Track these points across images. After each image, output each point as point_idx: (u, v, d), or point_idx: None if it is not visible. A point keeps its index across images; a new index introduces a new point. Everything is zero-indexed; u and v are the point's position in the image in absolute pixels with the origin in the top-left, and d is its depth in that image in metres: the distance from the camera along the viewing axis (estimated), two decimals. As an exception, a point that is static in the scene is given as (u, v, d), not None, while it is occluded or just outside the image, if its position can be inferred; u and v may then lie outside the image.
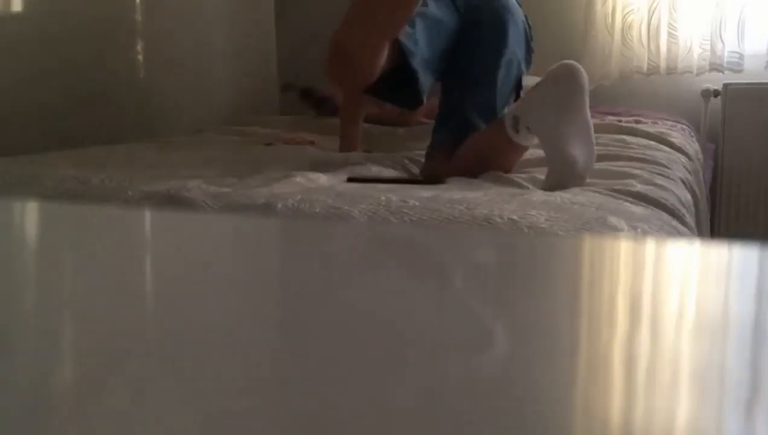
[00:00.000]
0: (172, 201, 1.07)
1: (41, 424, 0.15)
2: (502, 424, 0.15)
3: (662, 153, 1.77)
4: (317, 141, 2.10)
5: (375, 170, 1.45)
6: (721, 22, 2.54)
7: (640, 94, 2.72)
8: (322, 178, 1.32)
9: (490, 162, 1.41)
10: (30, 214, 0.42)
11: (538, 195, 1.15)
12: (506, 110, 1.46)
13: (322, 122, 2.49)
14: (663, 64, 2.61)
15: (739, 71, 2.55)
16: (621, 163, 1.54)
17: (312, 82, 3.18)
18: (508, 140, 1.40)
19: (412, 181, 1.33)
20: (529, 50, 1.64)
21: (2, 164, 1.51)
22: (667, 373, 0.18)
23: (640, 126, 2.23)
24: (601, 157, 1.51)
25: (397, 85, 1.45)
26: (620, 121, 2.23)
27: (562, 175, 1.24)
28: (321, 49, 2.72)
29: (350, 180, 1.33)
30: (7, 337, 0.21)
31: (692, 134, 2.38)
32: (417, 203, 1.01)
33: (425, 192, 1.14)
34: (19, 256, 0.31)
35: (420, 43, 1.43)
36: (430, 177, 1.37)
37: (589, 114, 1.29)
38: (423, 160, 1.51)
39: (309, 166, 1.33)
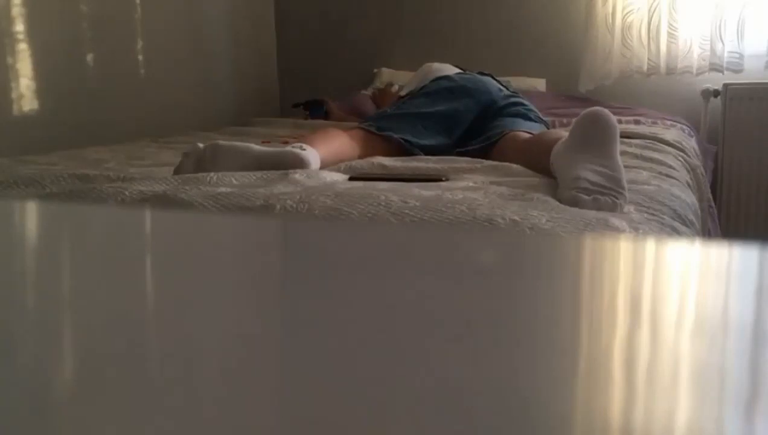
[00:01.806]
0: (170, 202, 1.07)
1: (41, 424, 0.15)
2: (501, 424, 0.15)
3: (662, 153, 1.77)
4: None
5: (377, 168, 1.46)
6: (721, 22, 2.54)
7: (640, 94, 2.72)
8: (323, 175, 1.32)
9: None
10: (29, 214, 0.42)
11: (540, 196, 1.15)
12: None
13: (321, 123, 2.49)
14: (663, 64, 2.61)
15: (739, 71, 2.56)
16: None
17: (312, 81, 3.19)
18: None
19: (414, 179, 1.33)
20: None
21: (2, 164, 1.51)
22: (667, 373, 0.18)
23: (639, 127, 2.23)
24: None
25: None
26: (620, 121, 2.23)
27: (568, 196, 1.19)
28: (320, 49, 2.72)
29: (352, 178, 1.33)
30: (6, 337, 0.21)
31: (692, 134, 2.39)
32: (418, 204, 1.01)
33: (426, 191, 1.14)
34: (18, 256, 0.31)
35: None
36: (433, 175, 1.37)
37: (617, 157, 1.22)
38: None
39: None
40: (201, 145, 1.38)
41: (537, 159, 1.44)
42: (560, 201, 1.19)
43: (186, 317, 0.22)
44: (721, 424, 0.15)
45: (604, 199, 1.14)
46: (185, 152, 1.39)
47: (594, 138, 1.24)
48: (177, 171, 1.36)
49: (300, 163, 1.35)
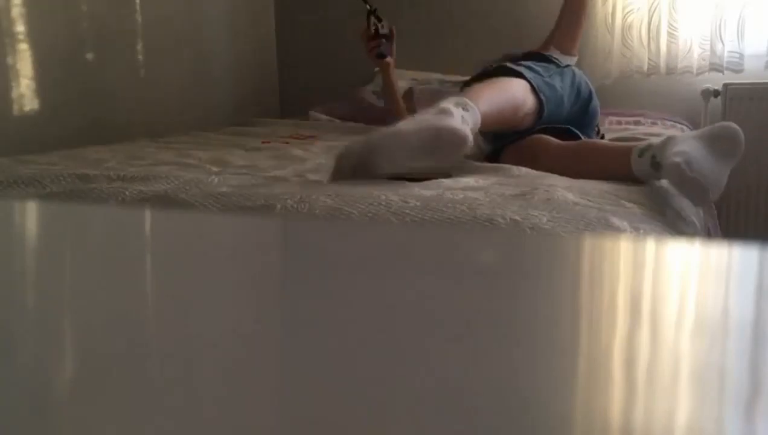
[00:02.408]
0: (170, 202, 1.07)
1: (41, 424, 0.15)
2: (501, 424, 0.15)
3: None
4: (317, 136, 2.10)
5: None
6: (721, 22, 2.54)
7: (640, 94, 2.72)
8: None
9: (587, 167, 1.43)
10: (29, 214, 0.42)
11: (541, 195, 1.15)
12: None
13: (321, 123, 2.49)
14: (663, 64, 2.61)
15: (739, 71, 2.55)
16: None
17: (312, 81, 3.19)
18: (624, 164, 1.39)
19: (416, 178, 1.32)
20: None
21: (2, 164, 1.51)
22: (667, 373, 0.18)
23: (638, 127, 2.23)
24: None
25: None
26: (620, 122, 2.24)
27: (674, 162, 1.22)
28: (320, 48, 2.70)
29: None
30: (6, 337, 0.21)
31: (692, 134, 2.38)
32: (418, 204, 1.01)
33: (427, 191, 1.14)
34: (19, 256, 0.31)
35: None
36: (429, 174, 1.36)
37: (727, 171, 1.27)
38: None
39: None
40: (353, 144, 1.24)
41: (594, 164, 1.40)
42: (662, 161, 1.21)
43: (186, 317, 0.22)
44: (721, 424, 0.15)
45: (701, 187, 1.17)
46: (340, 154, 1.24)
47: (721, 143, 1.26)
48: (335, 176, 1.24)
49: (461, 141, 1.19)
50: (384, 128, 1.24)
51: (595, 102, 1.82)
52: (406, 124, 1.22)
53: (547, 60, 1.77)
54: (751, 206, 2.64)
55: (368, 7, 2.25)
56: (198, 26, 2.83)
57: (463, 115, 1.26)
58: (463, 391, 0.17)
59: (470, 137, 1.20)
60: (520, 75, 1.57)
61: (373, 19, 2.29)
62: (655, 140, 1.38)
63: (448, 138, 1.18)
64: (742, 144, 1.30)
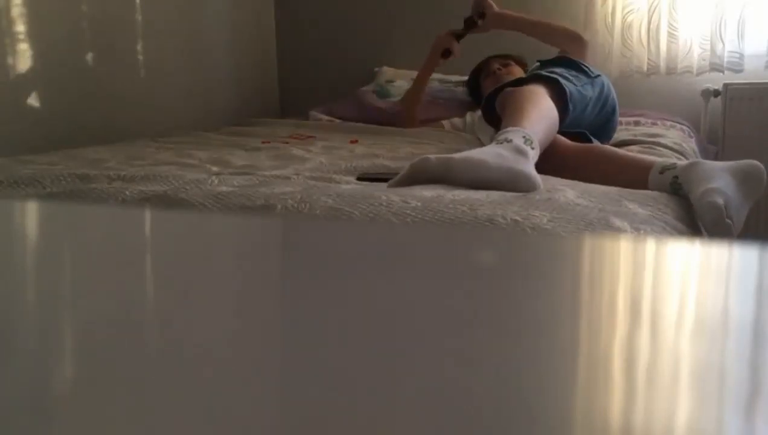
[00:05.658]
0: (170, 202, 1.07)
1: (41, 424, 0.15)
2: (501, 424, 0.15)
3: (661, 156, 1.77)
4: (317, 136, 2.10)
5: (381, 167, 1.45)
6: (721, 22, 2.53)
7: (640, 94, 2.72)
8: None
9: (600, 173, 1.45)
10: (29, 214, 0.42)
11: (542, 195, 1.15)
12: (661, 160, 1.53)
13: (321, 123, 2.49)
14: (663, 64, 2.61)
15: (739, 71, 2.55)
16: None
17: (312, 81, 3.19)
18: (641, 176, 1.41)
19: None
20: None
21: (2, 164, 1.50)
22: (667, 373, 0.18)
23: (638, 127, 2.23)
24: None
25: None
26: (620, 122, 2.24)
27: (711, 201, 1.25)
28: (320, 49, 2.68)
29: (360, 178, 1.33)
30: (6, 337, 0.21)
31: (692, 135, 2.38)
32: (419, 204, 1.01)
33: (428, 191, 1.14)
34: (18, 256, 0.31)
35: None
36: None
37: (747, 208, 1.33)
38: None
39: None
40: (432, 157, 1.25)
41: (607, 172, 1.42)
42: (697, 196, 1.24)
43: (186, 317, 0.22)
44: (721, 424, 0.15)
45: (731, 233, 1.20)
46: (415, 164, 1.25)
47: (748, 183, 1.30)
48: (402, 182, 1.24)
49: (534, 187, 1.23)
50: (466, 152, 1.28)
51: (617, 115, 1.83)
52: (487, 155, 1.26)
53: (578, 67, 1.79)
54: (752, 206, 2.64)
55: (475, 20, 2.42)
56: (198, 26, 2.82)
57: (533, 156, 1.31)
58: (463, 391, 0.17)
59: (541, 185, 1.24)
60: (555, 82, 1.61)
61: (467, 31, 2.45)
62: (678, 161, 1.39)
63: (524, 184, 1.23)
64: (764, 186, 1.32)
